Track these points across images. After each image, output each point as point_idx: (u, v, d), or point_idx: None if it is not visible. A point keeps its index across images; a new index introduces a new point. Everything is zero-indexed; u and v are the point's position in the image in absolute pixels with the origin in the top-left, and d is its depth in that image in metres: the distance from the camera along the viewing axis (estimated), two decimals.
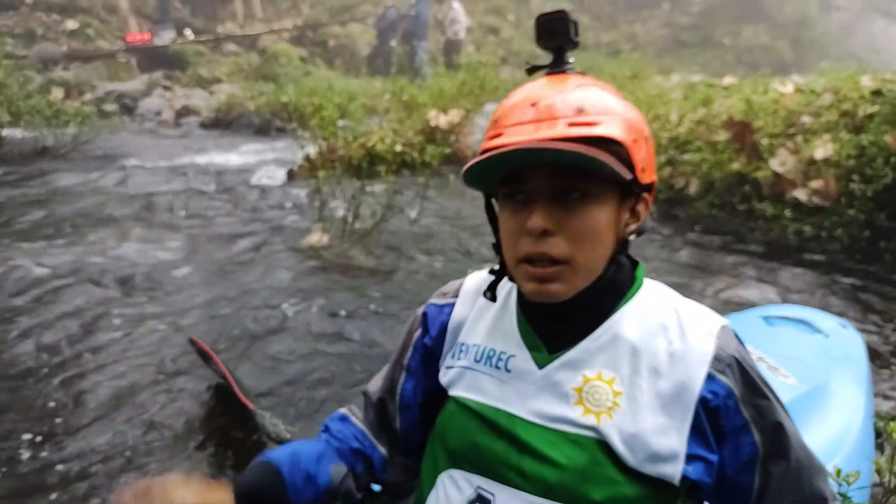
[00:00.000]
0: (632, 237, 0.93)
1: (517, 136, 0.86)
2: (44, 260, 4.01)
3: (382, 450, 1.12)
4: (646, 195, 0.93)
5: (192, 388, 2.74)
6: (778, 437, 0.91)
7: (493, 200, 1.00)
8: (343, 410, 1.16)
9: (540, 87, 0.91)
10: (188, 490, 0.95)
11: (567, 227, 0.86)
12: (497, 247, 0.99)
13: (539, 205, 0.86)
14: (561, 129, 0.84)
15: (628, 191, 0.90)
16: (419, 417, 1.09)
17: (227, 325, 3.33)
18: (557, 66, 0.94)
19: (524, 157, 0.83)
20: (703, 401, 0.87)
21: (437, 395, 1.04)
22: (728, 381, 0.88)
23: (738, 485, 0.91)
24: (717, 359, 0.88)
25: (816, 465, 0.95)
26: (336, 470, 1.06)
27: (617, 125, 0.87)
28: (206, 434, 2.45)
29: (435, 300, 1.11)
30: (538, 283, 0.87)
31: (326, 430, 1.13)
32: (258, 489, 0.99)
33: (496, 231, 0.98)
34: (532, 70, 0.99)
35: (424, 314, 1.10)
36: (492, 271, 1.02)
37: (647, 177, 0.91)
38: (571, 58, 0.95)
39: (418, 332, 1.10)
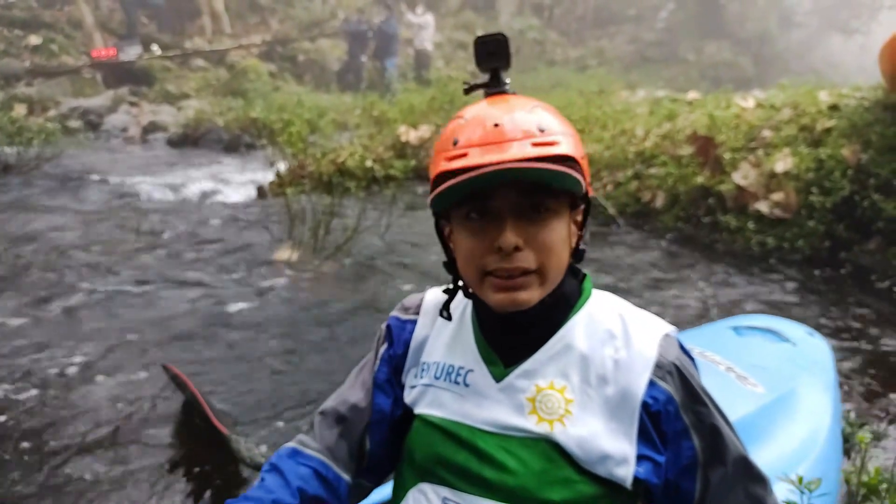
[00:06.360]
0: (583, 247, 0.98)
1: (486, 156, 0.87)
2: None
3: (347, 476, 1.04)
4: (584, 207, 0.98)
5: (165, 414, 2.69)
6: (715, 442, 0.94)
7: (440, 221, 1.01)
8: (292, 444, 1.05)
9: (492, 108, 0.93)
10: None
11: (533, 241, 0.89)
12: (450, 265, 1.01)
13: (509, 222, 0.88)
14: (528, 149, 0.87)
15: (575, 204, 0.95)
16: (389, 434, 1.06)
17: (193, 348, 3.29)
18: (496, 86, 0.98)
19: (503, 175, 0.84)
20: (645, 406, 0.90)
21: (408, 412, 1.05)
22: (668, 387, 0.92)
23: (680, 490, 0.94)
24: (658, 366, 0.92)
25: (756, 474, 0.97)
26: None
27: (570, 143, 0.91)
28: (180, 460, 2.41)
29: (397, 314, 1.12)
30: (506, 292, 0.90)
31: (273, 469, 1.00)
32: None
33: (448, 250, 1.01)
34: (469, 90, 1.02)
35: (388, 327, 1.11)
36: (446, 290, 1.04)
37: (590, 190, 0.97)
38: (507, 78, 0.99)
39: (385, 346, 1.10)
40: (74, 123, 9.94)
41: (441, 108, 7.58)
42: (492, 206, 0.89)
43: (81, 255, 4.54)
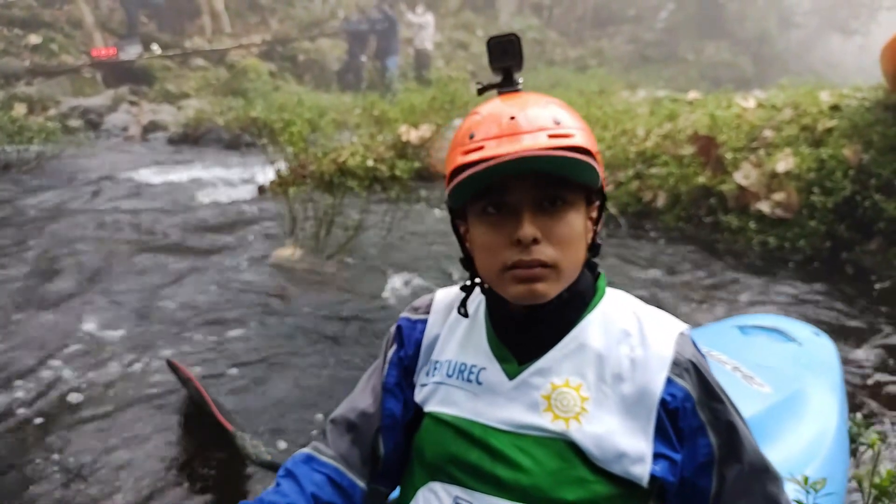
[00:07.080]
0: (599, 241, 0.99)
1: (501, 148, 0.88)
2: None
3: (362, 483, 1.05)
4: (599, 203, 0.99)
5: (170, 410, 2.69)
6: (731, 438, 0.94)
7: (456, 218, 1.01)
8: (307, 450, 1.06)
9: (507, 104, 0.94)
10: None
11: (551, 234, 0.89)
12: (466, 262, 1.01)
13: (527, 214, 0.88)
14: (544, 140, 0.88)
15: (590, 198, 0.96)
16: (402, 438, 1.06)
17: (196, 345, 3.28)
18: (508, 85, 0.98)
19: (521, 165, 0.85)
20: (663, 403, 0.91)
21: (419, 413, 1.04)
22: (685, 384, 0.92)
23: (696, 487, 0.94)
24: (675, 363, 0.92)
25: (771, 472, 0.97)
26: None
27: (585, 136, 0.92)
28: (185, 457, 2.40)
29: (407, 314, 1.12)
30: (527, 284, 0.89)
31: (289, 475, 1.02)
32: None
33: (464, 247, 1.01)
34: (483, 90, 1.02)
35: (399, 328, 1.10)
36: (463, 287, 1.04)
37: (605, 184, 0.97)
38: (520, 77, 0.99)
39: (394, 348, 1.09)
40: (75, 122, 9.93)
41: (442, 107, 7.55)
42: (509, 200, 0.89)
43: (80, 255, 4.53)
